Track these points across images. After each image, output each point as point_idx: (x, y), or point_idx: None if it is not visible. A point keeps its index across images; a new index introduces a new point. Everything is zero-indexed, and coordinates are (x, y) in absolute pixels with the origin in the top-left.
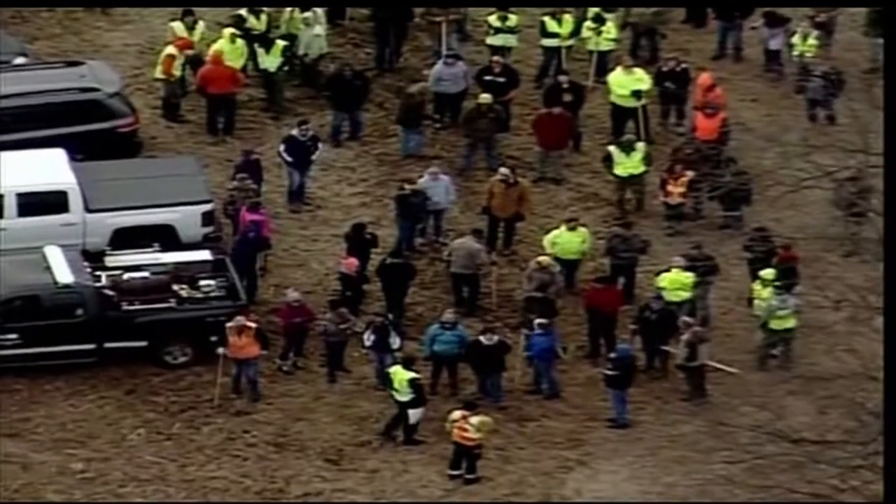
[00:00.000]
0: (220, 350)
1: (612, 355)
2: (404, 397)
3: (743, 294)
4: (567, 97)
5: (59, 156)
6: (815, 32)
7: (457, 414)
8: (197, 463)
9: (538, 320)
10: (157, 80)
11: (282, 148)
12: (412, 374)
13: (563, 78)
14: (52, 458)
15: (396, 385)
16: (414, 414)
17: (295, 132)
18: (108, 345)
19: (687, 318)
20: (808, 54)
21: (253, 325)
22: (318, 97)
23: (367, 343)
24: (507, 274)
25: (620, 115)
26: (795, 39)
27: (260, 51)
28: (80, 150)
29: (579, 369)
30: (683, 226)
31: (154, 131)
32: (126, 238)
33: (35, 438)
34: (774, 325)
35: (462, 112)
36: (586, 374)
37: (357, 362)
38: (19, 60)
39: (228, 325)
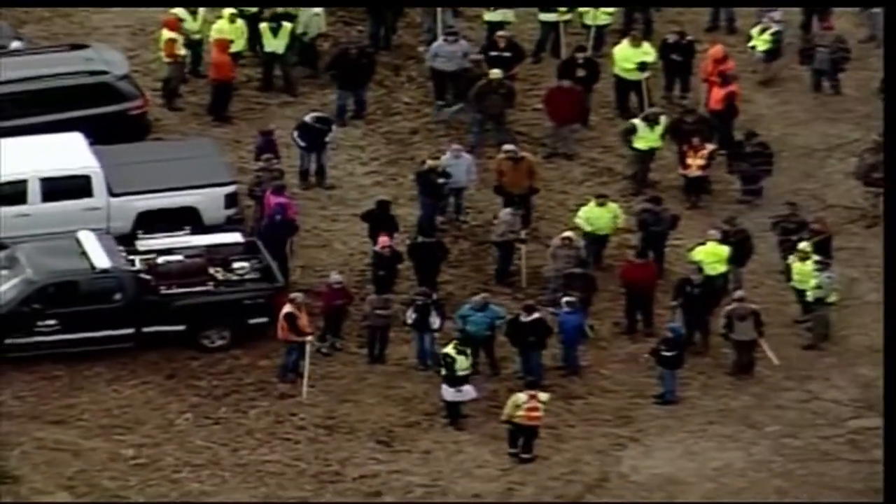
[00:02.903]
0: (308, 338)
1: (668, 335)
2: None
3: (772, 267)
4: (581, 73)
5: (78, 140)
6: (775, 28)
7: (523, 396)
8: (248, 447)
9: (566, 298)
10: (167, 64)
11: (295, 133)
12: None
13: (578, 54)
14: (102, 444)
15: (469, 362)
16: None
17: (308, 119)
18: (146, 329)
19: (739, 293)
20: (760, 48)
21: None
22: (316, 76)
23: (408, 321)
24: (530, 251)
25: (624, 88)
26: (754, 31)
27: (267, 33)
28: (91, 134)
29: (618, 346)
30: (703, 199)
31: (157, 114)
32: (148, 222)
33: (82, 425)
34: (815, 298)
35: (472, 89)
36: (626, 351)
37: (395, 342)
38: (15, 45)
39: (289, 307)
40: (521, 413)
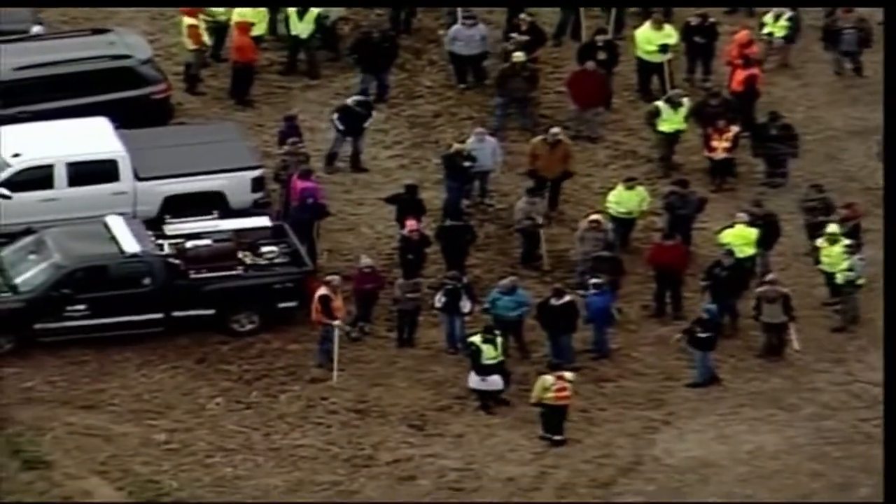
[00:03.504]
0: (336, 322)
1: (703, 317)
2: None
3: (798, 249)
4: (601, 55)
5: (104, 124)
6: (789, 13)
7: (550, 378)
8: (281, 431)
9: (593, 280)
10: (191, 51)
11: (335, 116)
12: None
13: (599, 37)
14: (134, 429)
15: (497, 352)
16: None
17: (350, 102)
18: (175, 314)
19: (769, 276)
20: (777, 34)
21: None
22: (337, 59)
23: (438, 305)
24: (556, 234)
25: (646, 70)
26: (767, 18)
27: (293, 17)
28: (114, 118)
29: (648, 329)
30: (728, 182)
31: (179, 98)
32: (175, 206)
33: (113, 410)
34: (845, 281)
35: (496, 72)
36: (655, 334)
37: (423, 326)
38: (36, 29)
39: (324, 290)
40: (550, 395)
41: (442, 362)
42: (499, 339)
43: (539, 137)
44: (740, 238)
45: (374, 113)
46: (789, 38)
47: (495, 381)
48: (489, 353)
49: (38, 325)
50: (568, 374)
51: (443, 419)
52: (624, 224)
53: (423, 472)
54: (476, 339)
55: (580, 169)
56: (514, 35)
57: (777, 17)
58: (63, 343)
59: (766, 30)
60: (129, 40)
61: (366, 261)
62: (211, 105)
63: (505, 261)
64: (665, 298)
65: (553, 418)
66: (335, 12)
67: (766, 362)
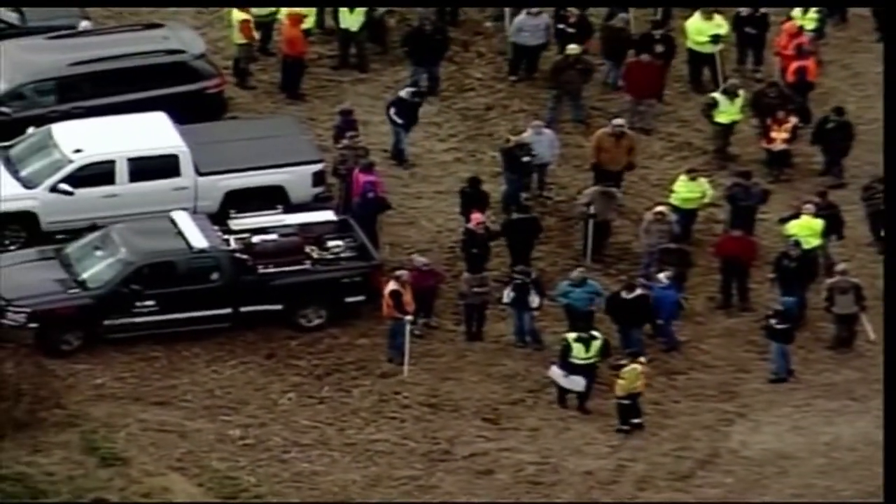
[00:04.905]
0: (408, 318)
1: (778, 308)
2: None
3: (861, 240)
4: (659, 48)
5: (163, 119)
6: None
7: (639, 367)
8: (355, 426)
9: (663, 274)
10: (239, 45)
11: (392, 111)
12: (600, 337)
13: (656, 30)
14: (208, 425)
15: (592, 353)
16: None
17: (403, 94)
18: (243, 309)
19: (841, 266)
20: (808, 27)
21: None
22: (385, 52)
23: (506, 300)
24: (619, 227)
25: (697, 61)
26: (796, 12)
27: (343, 10)
28: (169, 113)
29: (715, 321)
30: (786, 173)
31: (230, 92)
32: (235, 201)
33: (185, 406)
34: None
35: (550, 64)
36: (723, 326)
37: (491, 319)
38: (84, 24)
39: (394, 285)
40: (640, 382)
41: (511, 356)
42: (595, 343)
43: (603, 130)
44: (807, 229)
45: (423, 104)
46: (819, 31)
47: (577, 382)
48: (579, 353)
49: (106, 322)
50: (642, 359)
51: (516, 413)
52: (686, 215)
53: (501, 466)
54: (570, 335)
55: (637, 161)
56: (562, 27)
57: (806, 10)
58: (131, 339)
59: (796, 23)
60: (182, 35)
61: (420, 259)
62: (262, 99)
63: (567, 253)
64: (731, 290)
65: (633, 405)
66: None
67: (837, 354)
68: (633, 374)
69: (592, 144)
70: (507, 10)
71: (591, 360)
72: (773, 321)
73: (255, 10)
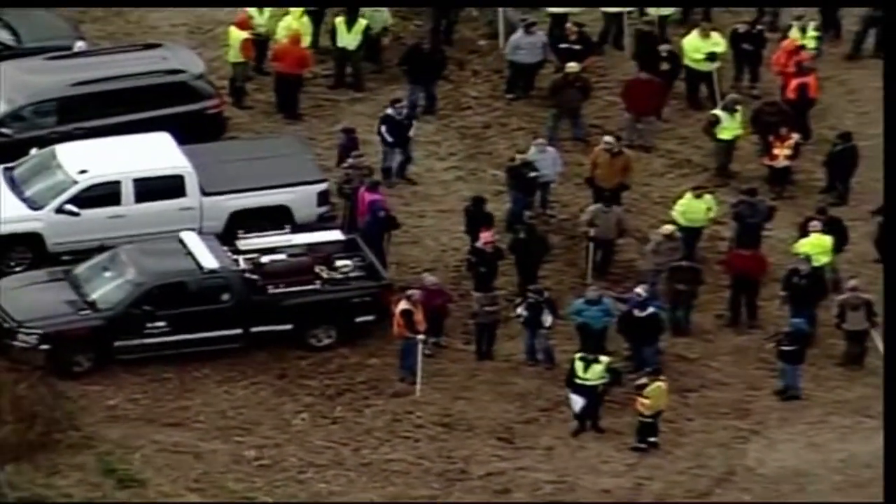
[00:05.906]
0: (420, 337)
1: (787, 329)
2: (597, 382)
3: (866, 257)
4: (664, 66)
5: (167, 140)
6: (814, 24)
7: (662, 384)
8: (370, 446)
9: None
10: (235, 64)
11: (383, 129)
12: (605, 359)
13: (663, 47)
14: (222, 446)
15: (590, 375)
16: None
17: (390, 111)
18: (254, 329)
19: (852, 282)
20: (809, 45)
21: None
22: (381, 71)
23: (520, 319)
24: (622, 245)
25: (695, 78)
26: (794, 32)
27: (340, 28)
28: (170, 133)
29: (724, 338)
30: (788, 190)
31: (227, 113)
32: (240, 221)
33: (199, 427)
34: None
35: (549, 82)
36: (732, 343)
37: (500, 339)
38: (80, 45)
39: (405, 304)
40: (664, 399)
41: (523, 374)
42: (596, 366)
43: (601, 146)
44: (817, 247)
45: (416, 122)
46: (818, 49)
47: (575, 401)
48: (579, 373)
49: (117, 343)
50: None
51: (531, 432)
52: (691, 233)
53: (518, 486)
54: (578, 354)
55: (638, 178)
56: (562, 45)
57: (803, 28)
58: (141, 360)
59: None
60: (181, 55)
61: (430, 278)
62: (259, 119)
63: (573, 272)
64: (740, 307)
65: (654, 424)
66: (379, 22)
67: (847, 370)
68: (658, 391)
69: (590, 159)
70: (500, 28)
71: (591, 383)
72: (782, 342)
73: (255, 23)
